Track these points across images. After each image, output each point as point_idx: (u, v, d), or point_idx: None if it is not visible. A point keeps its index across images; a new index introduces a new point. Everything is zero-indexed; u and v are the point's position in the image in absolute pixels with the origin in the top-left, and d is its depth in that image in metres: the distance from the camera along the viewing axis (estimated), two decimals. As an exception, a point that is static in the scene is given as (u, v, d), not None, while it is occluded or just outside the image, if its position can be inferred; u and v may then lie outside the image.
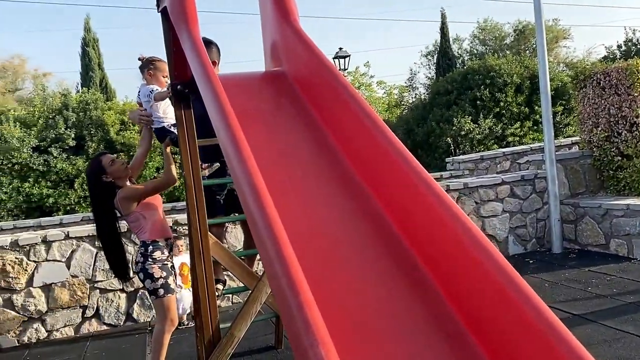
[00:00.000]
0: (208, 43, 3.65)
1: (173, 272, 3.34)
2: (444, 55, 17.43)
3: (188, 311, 4.75)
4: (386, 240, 1.67)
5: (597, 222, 6.13)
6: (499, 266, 1.21)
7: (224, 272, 4.02)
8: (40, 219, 8.43)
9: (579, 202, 6.38)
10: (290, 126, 2.14)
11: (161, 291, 3.19)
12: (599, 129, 6.62)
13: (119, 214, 3.32)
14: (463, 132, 11.55)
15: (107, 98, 13.53)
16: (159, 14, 2.91)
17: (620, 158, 6.47)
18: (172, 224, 5.11)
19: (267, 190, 1.45)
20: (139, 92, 3.52)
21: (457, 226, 1.40)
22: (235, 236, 5.47)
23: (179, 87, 2.94)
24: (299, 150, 2.01)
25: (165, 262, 3.26)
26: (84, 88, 13.53)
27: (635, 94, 6.21)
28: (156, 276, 3.18)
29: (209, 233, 3.11)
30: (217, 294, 3.20)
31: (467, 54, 21.00)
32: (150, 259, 3.19)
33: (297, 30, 2.28)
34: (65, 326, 4.99)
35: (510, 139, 11.74)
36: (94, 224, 3.47)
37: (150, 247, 3.21)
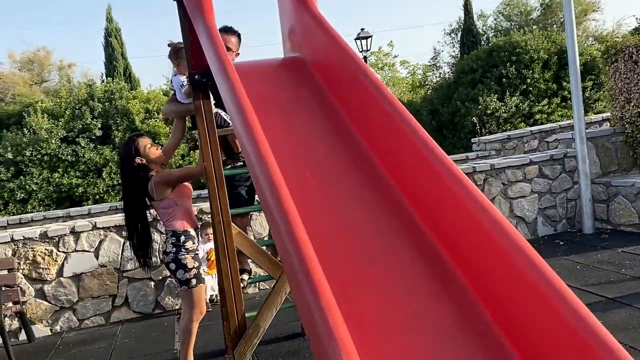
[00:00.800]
0: (231, 32, 3.61)
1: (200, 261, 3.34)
2: (468, 33, 17.04)
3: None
4: (409, 233, 1.62)
5: (630, 201, 5.94)
6: (533, 263, 1.15)
7: (249, 260, 4.01)
8: (70, 209, 8.59)
9: (610, 181, 6.19)
10: (309, 115, 2.09)
11: (194, 281, 3.18)
12: (632, 104, 6.38)
13: (150, 199, 3.27)
14: (489, 111, 11.31)
15: (132, 87, 13.64)
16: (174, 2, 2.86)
17: (654, 134, 6.25)
18: (197, 212, 5.12)
19: (285, 184, 1.40)
20: (172, 80, 3.53)
21: (486, 222, 1.33)
22: (260, 223, 5.46)
23: (197, 76, 2.89)
24: (318, 141, 1.95)
25: (197, 252, 3.26)
26: (108, 78, 13.65)
27: (670, 67, 5.96)
28: (189, 266, 3.17)
29: (233, 224, 3.08)
30: (242, 284, 3.18)
31: (492, 31, 20.49)
32: (183, 249, 3.18)
33: (315, 15, 2.21)
34: (95, 315, 5.08)
35: (537, 116, 11.45)
36: (123, 207, 3.41)
37: (182, 237, 3.19)
